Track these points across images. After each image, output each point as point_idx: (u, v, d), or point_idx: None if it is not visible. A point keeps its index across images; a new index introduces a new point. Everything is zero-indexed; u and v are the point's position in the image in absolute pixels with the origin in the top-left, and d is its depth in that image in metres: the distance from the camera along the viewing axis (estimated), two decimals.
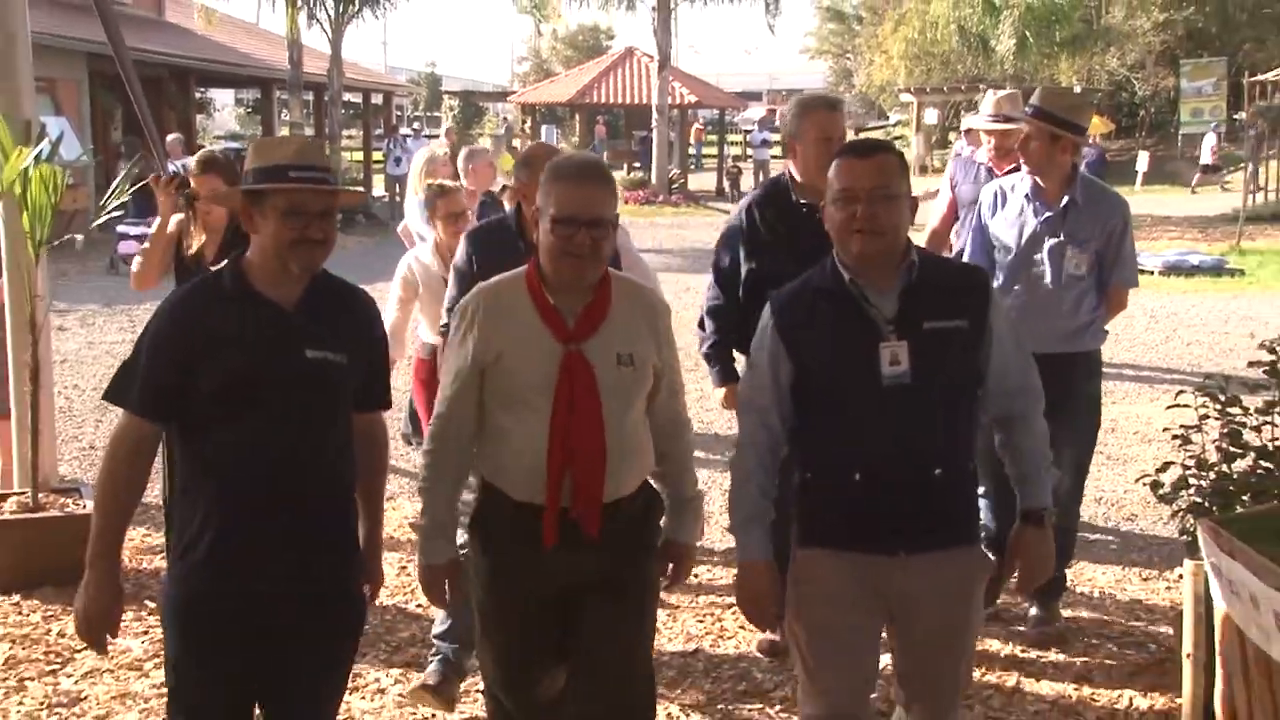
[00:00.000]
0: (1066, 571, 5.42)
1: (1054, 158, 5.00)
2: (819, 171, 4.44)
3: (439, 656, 4.63)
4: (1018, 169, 5.53)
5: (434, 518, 3.39)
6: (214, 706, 3.17)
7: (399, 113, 43.00)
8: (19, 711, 4.72)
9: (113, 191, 6.54)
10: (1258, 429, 4.74)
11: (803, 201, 4.69)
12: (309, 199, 3.07)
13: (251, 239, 3.17)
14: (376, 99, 37.05)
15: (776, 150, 27.48)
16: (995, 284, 4.78)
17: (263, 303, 3.11)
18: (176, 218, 5.68)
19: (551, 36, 59.20)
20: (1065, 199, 5.01)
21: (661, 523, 3.52)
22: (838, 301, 3.24)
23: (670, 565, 3.57)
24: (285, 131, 29.13)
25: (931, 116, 34.81)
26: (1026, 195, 5.09)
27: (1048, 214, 5.04)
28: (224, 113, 43.92)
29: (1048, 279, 5.03)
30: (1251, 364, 4.88)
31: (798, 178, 4.81)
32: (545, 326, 3.24)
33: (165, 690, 4.74)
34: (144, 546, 6.51)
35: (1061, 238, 5.01)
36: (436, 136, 30.90)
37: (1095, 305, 5.12)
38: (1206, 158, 29.00)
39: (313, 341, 3.13)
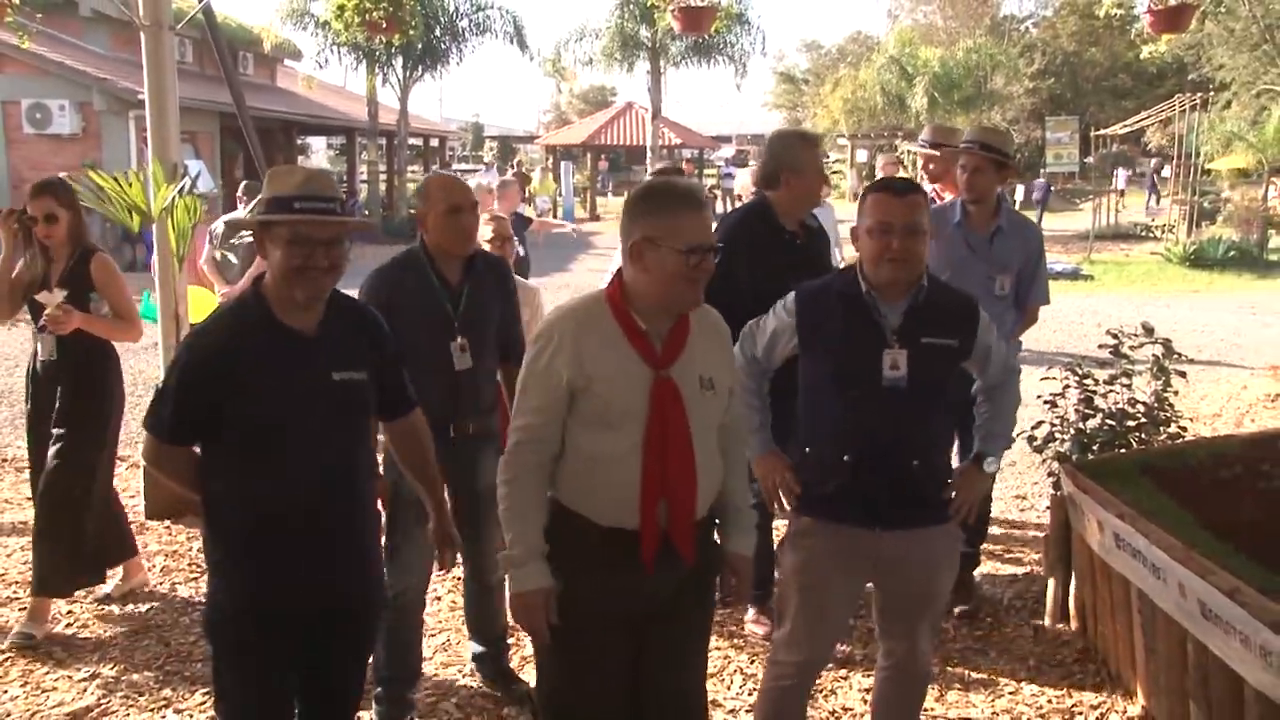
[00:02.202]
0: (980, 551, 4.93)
1: (995, 186, 4.50)
2: (810, 201, 4.30)
3: (392, 699, 3.69)
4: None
5: (527, 544, 2.59)
6: (252, 709, 2.68)
7: (451, 153, 42.77)
8: (173, 607, 4.77)
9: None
10: (1105, 396, 4.76)
11: (785, 226, 4.23)
12: (314, 229, 2.58)
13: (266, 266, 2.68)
14: (434, 142, 36.97)
15: (745, 180, 27.30)
16: None
17: (286, 331, 2.63)
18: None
19: (569, 93, 58.92)
20: (994, 227, 4.49)
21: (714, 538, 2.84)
22: (854, 306, 2.98)
23: (734, 578, 2.85)
24: (364, 170, 28.93)
25: (862, 155, 34.81)
26: (957, 224, 4.51)
27: (978, 240, 4.49)
28: (318, 155, 43.60)
29: (978, 299, 4.56)
30: (1100, 346, 4.90)
31: (781, 204, 4.23)
32: (634, 351, 2.60)
33: None
34: None
35: (990, 262, 4.47)
36: (490, 168, 30.92)
37: (1014, 321, 4.58)
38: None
39: (337, 364, 2.66)
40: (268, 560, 2.61)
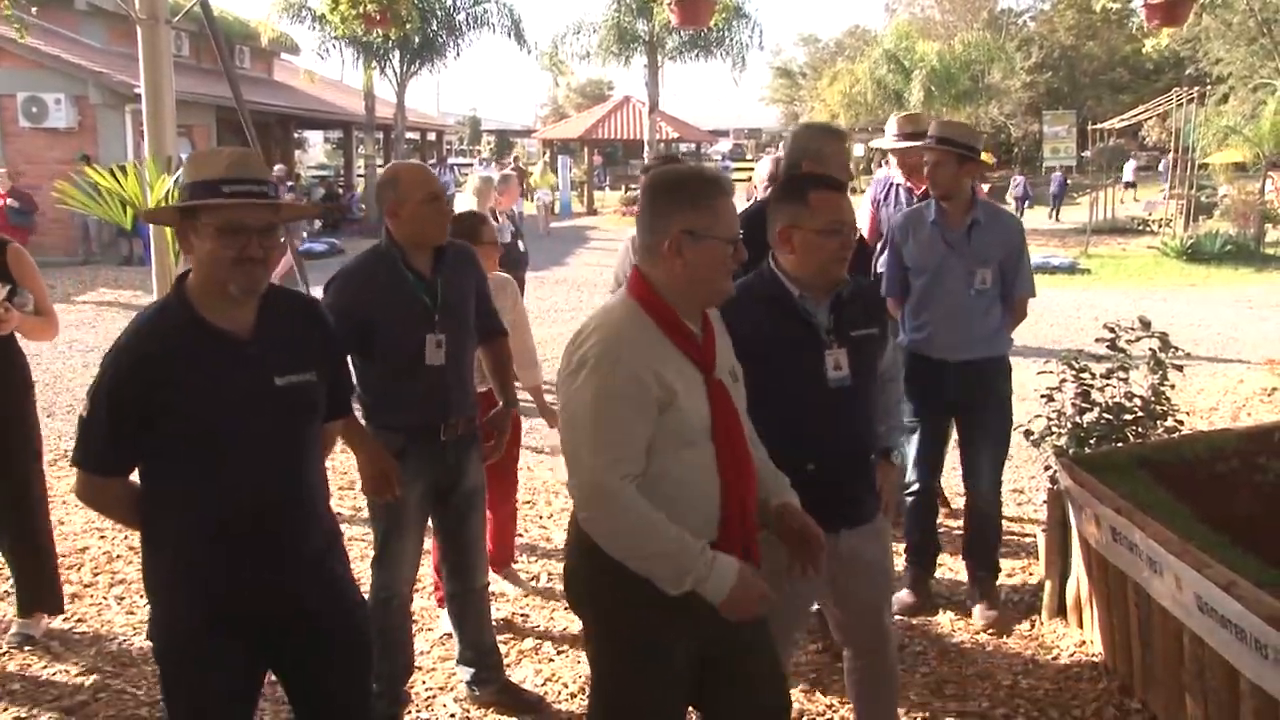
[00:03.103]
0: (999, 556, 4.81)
1: (960, 180, 4.42)
2: None
3: (386, 694, 3.61)
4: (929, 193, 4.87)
5: (696, 551, 2.31)
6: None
7: (448, 146, 42.72)
8: None
9: None
10: (1102, 390, 4.76)
11: None
12: (246, 214, 2.32)
13: (190, 260, 2.40)
14: (431, 136, 36.90)
15: (739, 175, 27.32)
16: (910, 304, 4.55)
17: (216, 335, 2.35)
18: None
19: (566, 87, 58.85)
20: (969, 221, 4.43)
21: None
22: (783, 310, 2.89)
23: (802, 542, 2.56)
24: (361, 164, 28.85)
25: (859, 150, 34.81)
26: (933, 221, 4.47)
27: (955, 236, 4.43)
28: (315, 149, 43.57)
29: (958, 295, 4.41)
30: (1098, 340, 4.89)
31: None
32: (685, 357, 2.41)
33: None
34: None
35: (968, 256, 4.41)
36: (487, 163, 30.93)
37: (1001, 315, 4.52)
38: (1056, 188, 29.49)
39: (281, 367, 2.41)
40: (213, 570, 2.40)
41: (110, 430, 2.33)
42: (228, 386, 2.34)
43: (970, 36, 31.49)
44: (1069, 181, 30.42)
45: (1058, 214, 28.59)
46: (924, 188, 5.18)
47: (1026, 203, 28.70)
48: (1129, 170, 31.44)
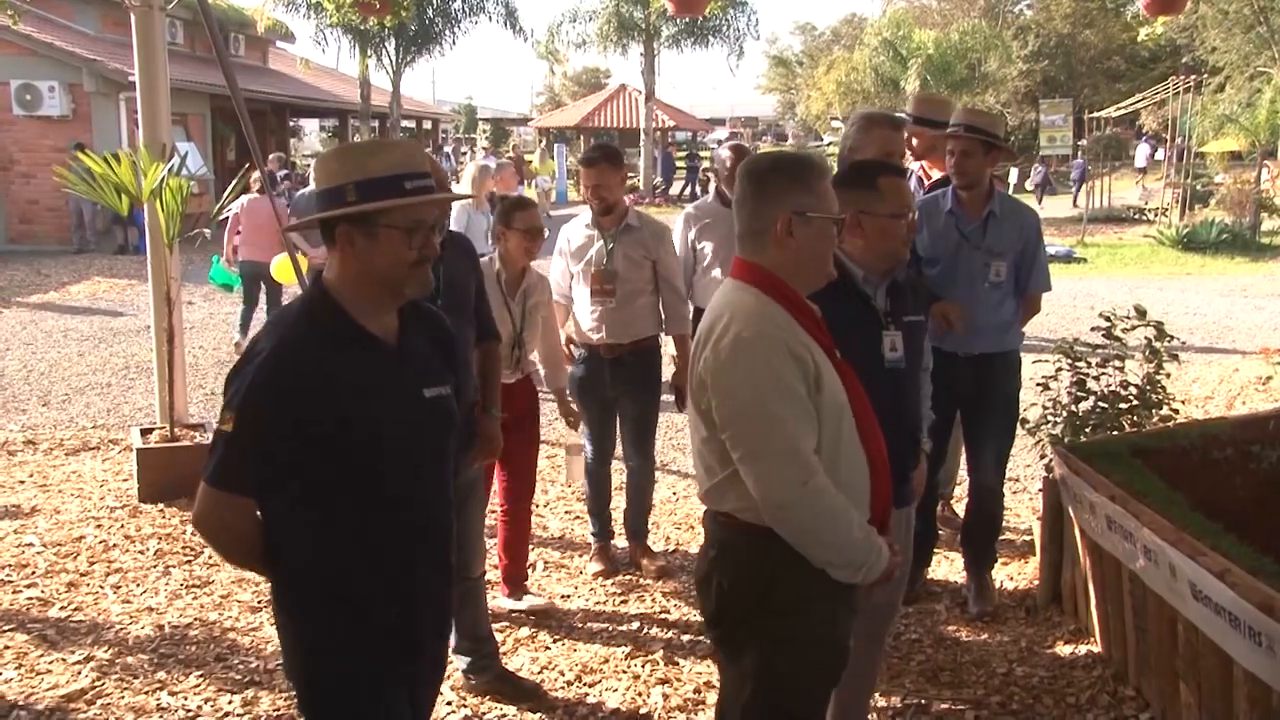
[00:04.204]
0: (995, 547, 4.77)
1: (985, 169, 4.37)
2: None
3: (478, 666, 3.84)
4: (945, 178, 4.84)
5: (874, 538, 2.36)
6: None
7: (444, 135, 42.62)
8: (167, 589, 4.77)
9: (225, 199, 6.55)
10: (1097, 378, 4.77)
11: None
12: (426, 211, 2.16)
13: (335, 263, 2.15)
14: (427, 125, 36.84)
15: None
16: None
17: (373, 342, 2.15)
18: None
19: (562, 76, 58.74)
20: (986, 212, 4.37)
21: None
22: (844, 290, 2.85)
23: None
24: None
25: None
26: (950, 211, 4.40)
27: (971, 227, 4.37)
28: (310, 137, 43.42)
29: (972, 287, 4.35)
30: (1093, 329, 4.90)
31: None
32: (814, 338, 2.37)
33: None
34: None
35: (983, 248, 4.35)
36: (488, 153, 30.88)
37: (1014, 309, 4.47)
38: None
39: (426, 379, 2.24)
40: (381, 606, 2.19)
41: (262, 446, 2.07)
42: (389, 397, 2.15)
43: (967, 25, 31.46)
44: (1062, 170, 30.38)
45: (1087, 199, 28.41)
46: (935, 174, 5.16)
47: (1047, 189, 28.61)
48: (1141, 156, 31.23)
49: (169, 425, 6.10)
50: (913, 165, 5.41)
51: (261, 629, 4.37)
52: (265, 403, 2.05)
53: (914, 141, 5.28)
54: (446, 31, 27.80)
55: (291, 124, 32.24)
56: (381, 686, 2.23)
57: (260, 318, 9.51)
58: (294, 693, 3.47)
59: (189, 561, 5.05)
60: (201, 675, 3.99)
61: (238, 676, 3.98)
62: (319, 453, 2.08)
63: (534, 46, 31.74)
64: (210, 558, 5.08)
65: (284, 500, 2.14)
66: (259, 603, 4.59)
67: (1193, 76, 23.35)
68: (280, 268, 8.80)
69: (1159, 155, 29.72)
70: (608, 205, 4.70)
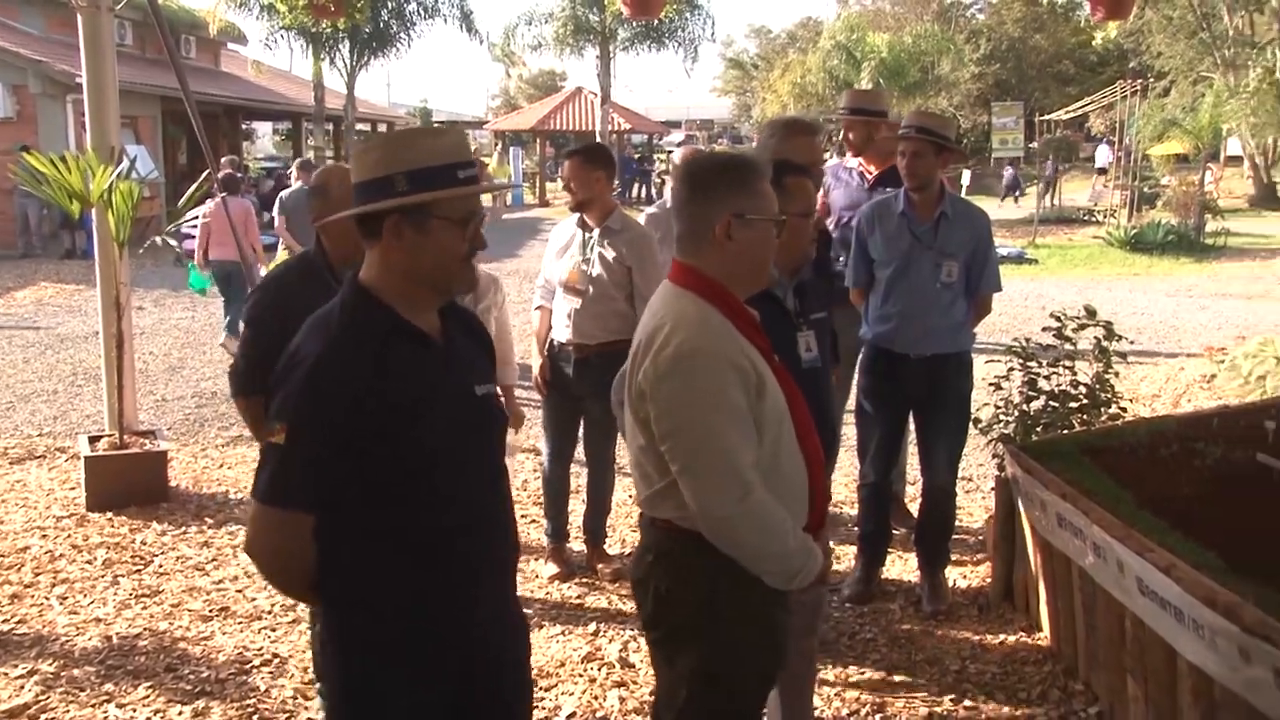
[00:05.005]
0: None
1: (936, 170, 4.41)
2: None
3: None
4: (887, 171, 5.01)
5: (808, 546, 2.35)
6: None
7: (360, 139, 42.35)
8: (115, 599, 4.68)
9: (184, 202, 6.45)
10: (1048, 378, 4.82)
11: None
12: (477, 202, 2.08)
13: (378, 260, 2.04)
14: (382, 127, 36.55)
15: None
16: (874, 296, 4.55)
17: (422, 339, 2.04)
18: None
19: (518, 78, 58.54)
20: (938, 213, 4.41)
21: None
22: (760, 297, 2.73)
23: None
24: (310, 155, 28.42)
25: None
26: (902, 213, 4.43)
27: (923, 228, 4.41)
28: (264, 140, 42.93)
29: (924, 288, 4.40)
30: (1044, 329, 4.95)
31: None
32: (751, 341, 2.35)
33: (223, 585, 4.80)
34: (203, 476, 6.45)
35: (935, 249, 4.39)
36: None
37: (966, 310, 4.51)
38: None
39: (475, 376, 2.14)
40: (450, 621, 2.06)
41: (319, 455, 1.94)
42: (445, 396, 2.05)
43: (920, 28, 31.79)
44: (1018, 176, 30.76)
45: (1055, 198, 28.77)
46: (876, 170, 5.19)
47: (1017, 192, 28.91)
48: (1102, 156, 31.62)
49: (118, 432, 6.00)
50: (852, 162, 5.42)
51: (213, 638, 4.31)
52: (320, 408, 1.92)
53: (851, 136, 5.30)
54: (401, 34, 27.61)
55: (244, 127, 31.89)
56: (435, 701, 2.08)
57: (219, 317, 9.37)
58: (251, 704, 3.41)
59: (138, 571, 4.97)
60: (151, 686, 3.92)
61: (188, 687, 3.92)
62: (377, 459, 1.95)
63: (490, 49, 31.64)
64: (160, 566, 5.00)
65: (338, 515, 1.98)
66: (210, 611, 4.53)
67: (1139, 81, 23.77)
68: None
69: (1108, 157, 30.19)
70: (577, 201, 4.70)
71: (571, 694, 3.90)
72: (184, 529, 5.52)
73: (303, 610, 4.19)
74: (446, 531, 2.05)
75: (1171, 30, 30.65)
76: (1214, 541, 3.23)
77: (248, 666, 4.07)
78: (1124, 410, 4.92)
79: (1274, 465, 3.72)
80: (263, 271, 7.85)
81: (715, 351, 2.26)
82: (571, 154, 4.80)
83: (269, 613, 4.52)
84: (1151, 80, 27.90)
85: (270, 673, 4.02)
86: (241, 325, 3.40)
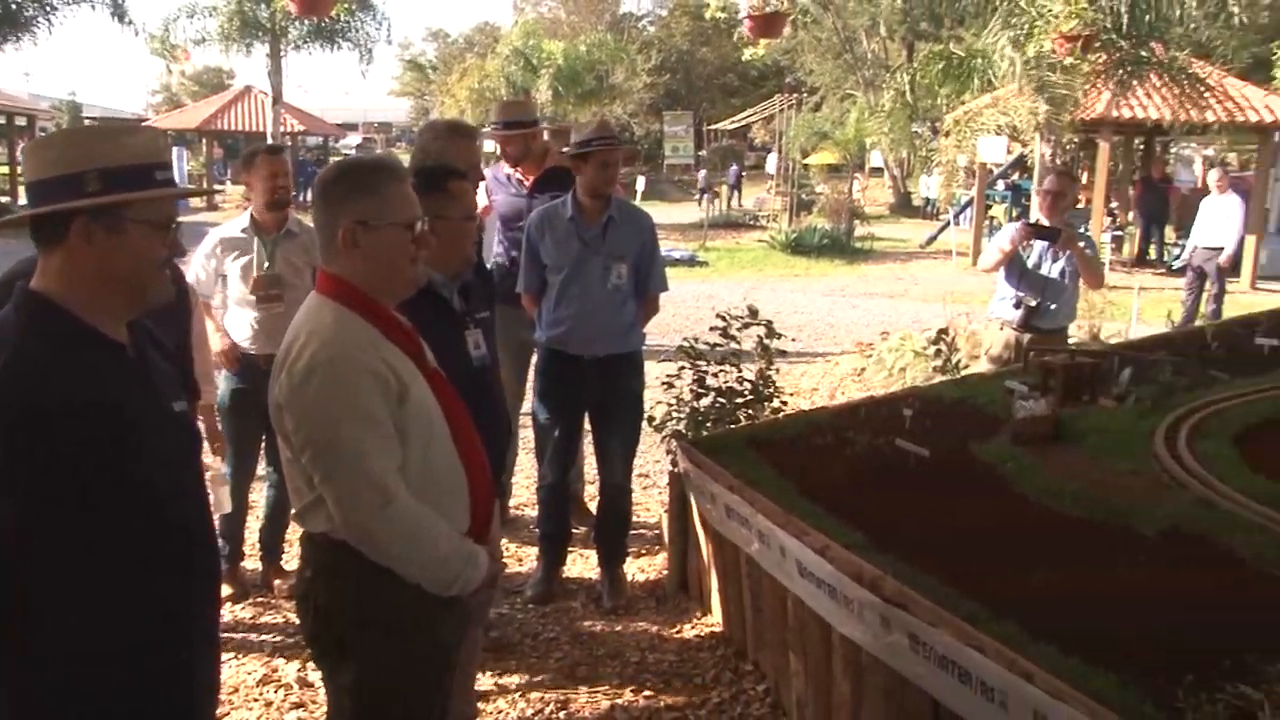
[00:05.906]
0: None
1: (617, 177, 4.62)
2: None
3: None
4: (543, 176, 5.16)
5: (466, 551, 2.35)
6: None
7: (42, 133, 38.59)
8: None
9: None
10: (716, 375, 5.05)
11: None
12: (174, 206, 1.97)
13: (59, 265, 1.85)
14: (20, 121, 33.00)
15: None
16: (547, 301, 4.61)
17: (116, 350, 1.90)
18: None
19: (180, 74, 54.81)
20: (605, 218, 4.53)
21: None
22: (424, 298, 2.81)
23: None
24: None
25: (489, 145, 35.14)
26: (571, 218, 4.53)
27: (591, 233, 4.51)
28: None
29: (595, 290, 4.50)
30: (712, 329, 5.19)
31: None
32: (400, 347, 2.34)
33: None
34: None
35: (604, 253, 4.52)
36: None
37: (635, 311, 4.67)
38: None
39: (170, 392, 2.03)
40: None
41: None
42: (146, 412, 1.92)
43: (594, 37, 32.58)
44: (684, 179, 32.40)
45: (739, 200, 30.57)
46: (532, 177, 5.27)
47: (737, 192, 30.49)
48: (771, 164, 33.82)
49: None
50: (508, 170, 5.42)
51: None
52: (10, 429, 1.71)
53: (509, 150, 5.35)
54: (40, 18, 25.07)
55: None
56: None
57: None
58: None
59: None
60: None
61: None
62: (82, 485, 1.75)
63: (148, 41, 29.34)
64: None
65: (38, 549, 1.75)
66: None
67: (795, 95, 25.61)
68: None
69: (770, 165, 32.36)
70: (277, 200, 4.56)
71: (246, 719, 3.68)
72: None
73: None
74: (166, 559, 1.90)
75: (821, 50, 33.28)
76: (861, 522, 3.50)
77: None
78: (785, 404, 5.25)
79: (910, 450, 4.08)
80: None
81: (348, 359, 2.22)
82: (273, 150, 4.67)
83: None
84: (806, 95, 30.13)
85: None
86: None
